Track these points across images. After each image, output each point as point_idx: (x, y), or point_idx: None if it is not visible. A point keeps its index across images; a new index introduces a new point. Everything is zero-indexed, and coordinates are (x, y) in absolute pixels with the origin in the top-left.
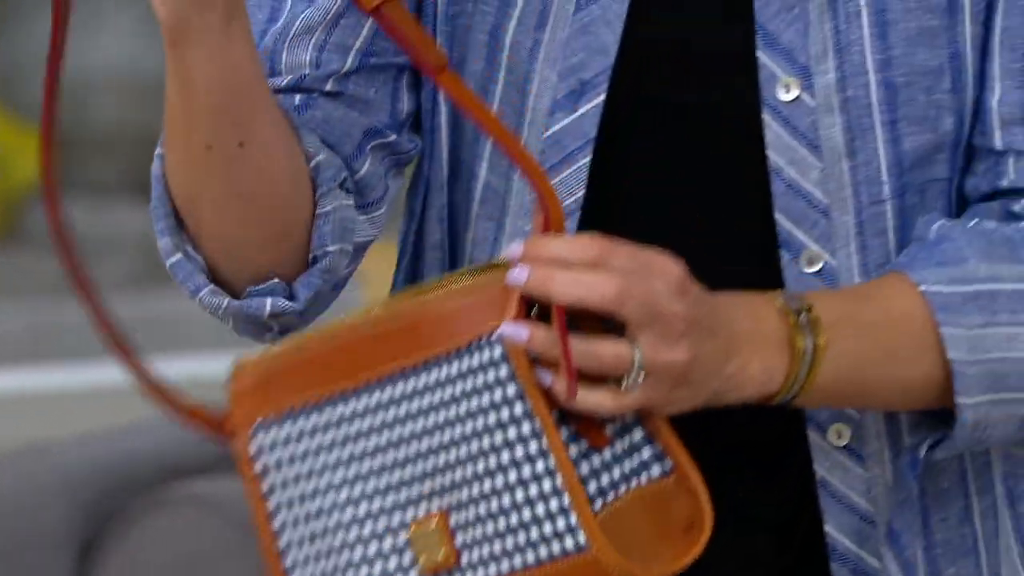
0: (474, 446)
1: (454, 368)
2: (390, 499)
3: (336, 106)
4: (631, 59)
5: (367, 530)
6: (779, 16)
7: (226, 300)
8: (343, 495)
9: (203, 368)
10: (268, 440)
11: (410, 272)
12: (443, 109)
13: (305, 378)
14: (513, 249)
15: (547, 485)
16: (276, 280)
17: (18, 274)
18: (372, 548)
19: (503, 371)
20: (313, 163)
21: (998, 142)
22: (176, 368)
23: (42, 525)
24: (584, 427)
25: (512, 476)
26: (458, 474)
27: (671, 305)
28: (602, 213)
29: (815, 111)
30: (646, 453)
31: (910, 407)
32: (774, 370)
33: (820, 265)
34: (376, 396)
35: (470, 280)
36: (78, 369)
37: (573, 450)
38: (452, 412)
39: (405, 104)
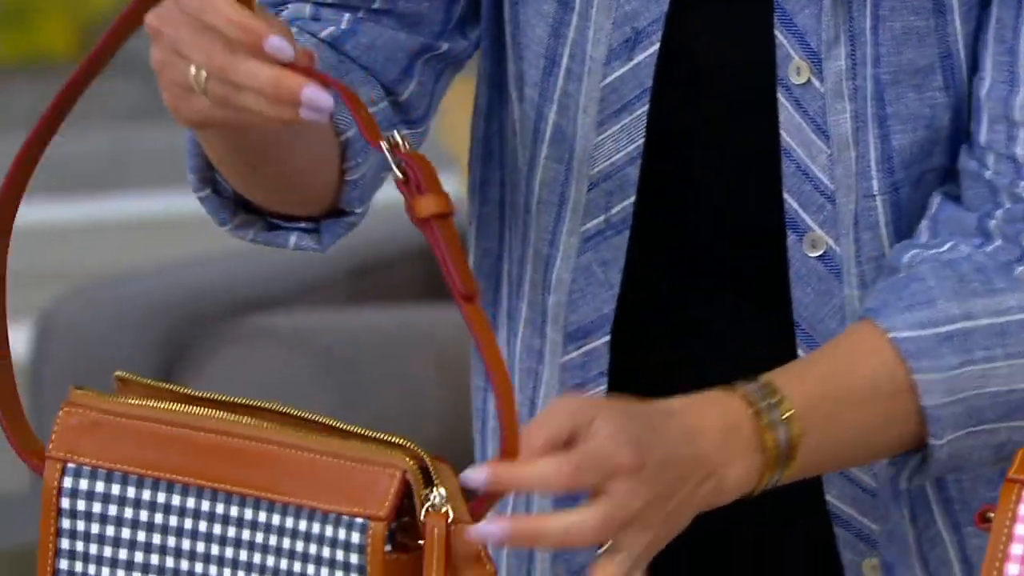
0: None
1: (309, 526)
2: None
3: (383, 29)
4: (678, 8)
5: None
6: None
7: (251, 233)
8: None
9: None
10: (82, 485)
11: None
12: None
13: (149, 448)
14: (475, 476)
15: None
16: (303, 222)
17: (98, 99)
18: None
19: (353, 558)
20: (343, 138)
21: (983, 137)
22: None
23: (117, 355)
24: None
25: None
26: None
27: (634, 504)
28: (662, 161)
29: (824, 96)
30: None
31: (889, 456)
32: (750, 473)
33: (823, 250)
34: (210, 504)
35: (368, 447)
36: (158, 197)
37: None
38: (284, 564)
39: (460, 8)
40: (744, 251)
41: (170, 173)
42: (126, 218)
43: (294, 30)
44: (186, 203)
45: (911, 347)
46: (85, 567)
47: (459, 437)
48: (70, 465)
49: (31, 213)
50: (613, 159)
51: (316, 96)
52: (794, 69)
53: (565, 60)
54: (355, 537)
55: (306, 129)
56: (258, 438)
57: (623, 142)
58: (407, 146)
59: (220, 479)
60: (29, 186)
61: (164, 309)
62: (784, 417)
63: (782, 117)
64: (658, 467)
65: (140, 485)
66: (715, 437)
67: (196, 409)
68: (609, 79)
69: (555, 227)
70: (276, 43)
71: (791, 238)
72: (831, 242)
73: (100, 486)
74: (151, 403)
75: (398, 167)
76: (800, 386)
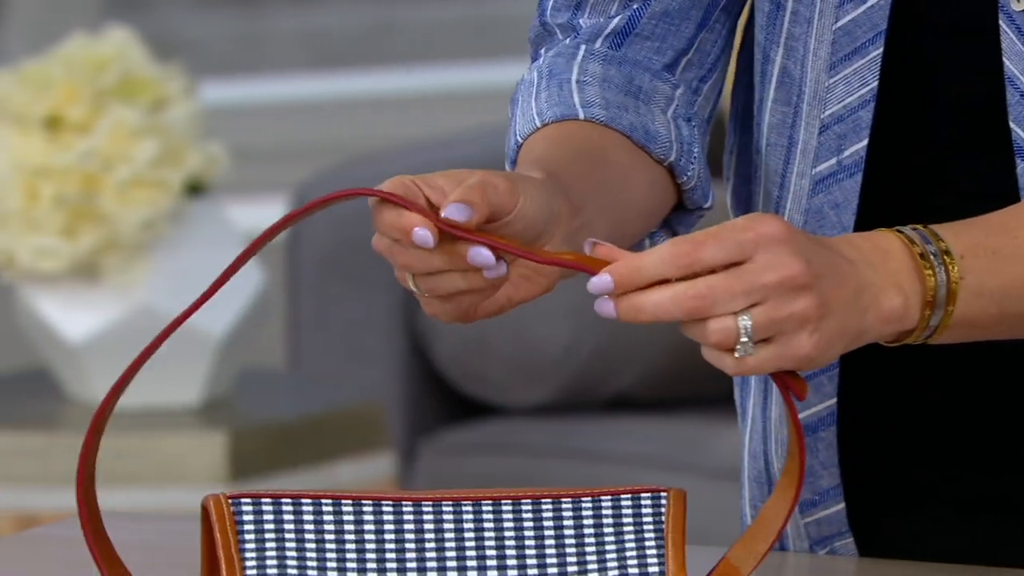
0: None
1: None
2: None
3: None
4: None
5: None
6: None
7: None
8: None
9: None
10: (255, 512)
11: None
12: None
13: (325, 499)
14: (599, 282)
15: None
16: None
17: None
18: None
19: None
20: (667, 164)
21: None
22: (509, 70)
23: (365, 234)
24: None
25: None
26: None
27: (783, 269)
28: (892, 101)
29: None
30: None
31: None
32: (910, 302)
33: None
34: (431, 509)
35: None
36: (419, 72)
37: None
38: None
39: None
40: (974, 187)
41: (433, 47)
42: (386, 93)
43: (580, 52)
44: (447, 78)
45: None
46: None
47: None
48: (244, 502)
49: (289, 86)
50: (845, 101)
51: (479, 256)
52: None
53: (791, 3)
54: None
55: (628, 178)
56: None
57: (856, 84)
58: None
59: (429, 498)
60: (289, 58)
61: None
62: (943, 253)
63: (1004, 44)
64: (810, 249)
65: (338, 506)
66: (870, 256)
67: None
68: (842, 21)
69: (784, 169)
70: (419, 235)
71: (1020, 167)
72: None
73: (275, 510)
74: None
75: None
76: (963, 232)
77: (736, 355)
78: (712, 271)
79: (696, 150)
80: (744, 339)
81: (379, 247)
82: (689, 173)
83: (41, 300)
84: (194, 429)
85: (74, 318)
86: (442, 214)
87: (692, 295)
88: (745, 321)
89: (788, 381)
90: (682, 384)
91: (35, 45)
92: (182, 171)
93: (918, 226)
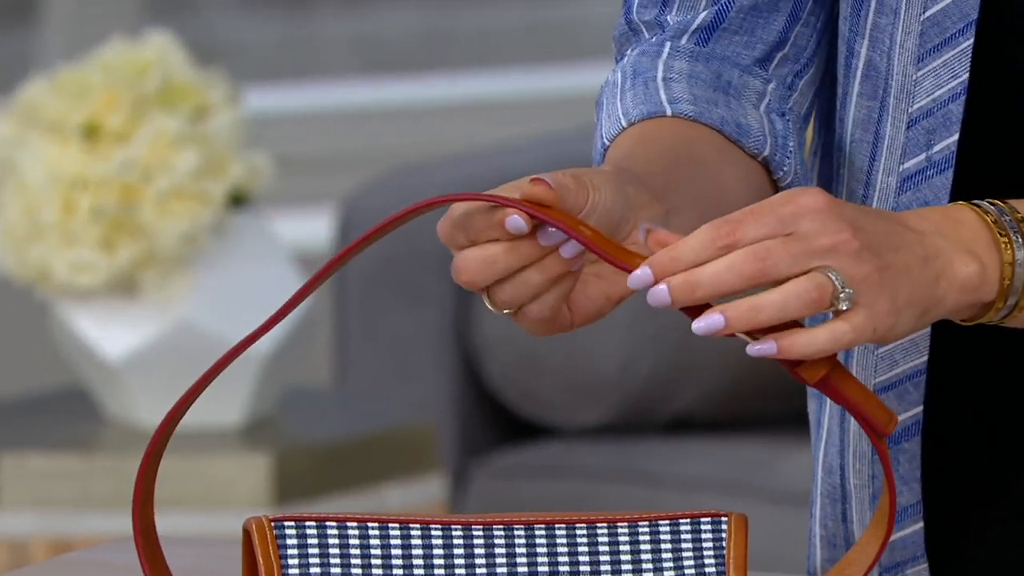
0: None
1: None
2: None
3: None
4: None
5: None
6: None
7: None
8: None
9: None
10: (298, 536)
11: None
12: None
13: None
14: (639, 276)
15: None
16: None
17: None
18: None
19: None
20: (761, 158)
21: None
22: (571, 76)
23: (425, 240)
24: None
25: None
26: None
27: (834, 234)
28: (984, 95)
29: None
30: None
31: None
32: (988, 271)
33: None
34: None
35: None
36: (471, 79)
37: None
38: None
39: None
40: None
41: (488, 52)
42: (439, 100)
43: (665, 49)
44: (502, 84)
45: None
46: None
47: None
48: (287, 525)
49: (338, 93)
50: (934, 95)
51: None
52: None
53: None
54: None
55: (719, 173)
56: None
57: (945, 77)
58: None
59: (480, 522)
60: (341, 66)
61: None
62: (1019, 222)
63: None
64: (863, 217)
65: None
66: (940, 225)
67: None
68: (931, 11)
69: (870, 166)
70: (513, 221)
71: None
72: None
73: (318, 533)
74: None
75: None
76: None
77: (842, 306)
78: None
79: (792, 144)
80: (842, 289)
81: (460, 267)
82: (785, 168)
83: (78, 316)
84: (237, 450)
85: (112, 335)
86: (522, 193)
87: (751, 258)
88: (831, 273)
89: (869, 414)
90: (747, 403)
91: (72, 50)
92: (225, 182)
93: (995, 200)
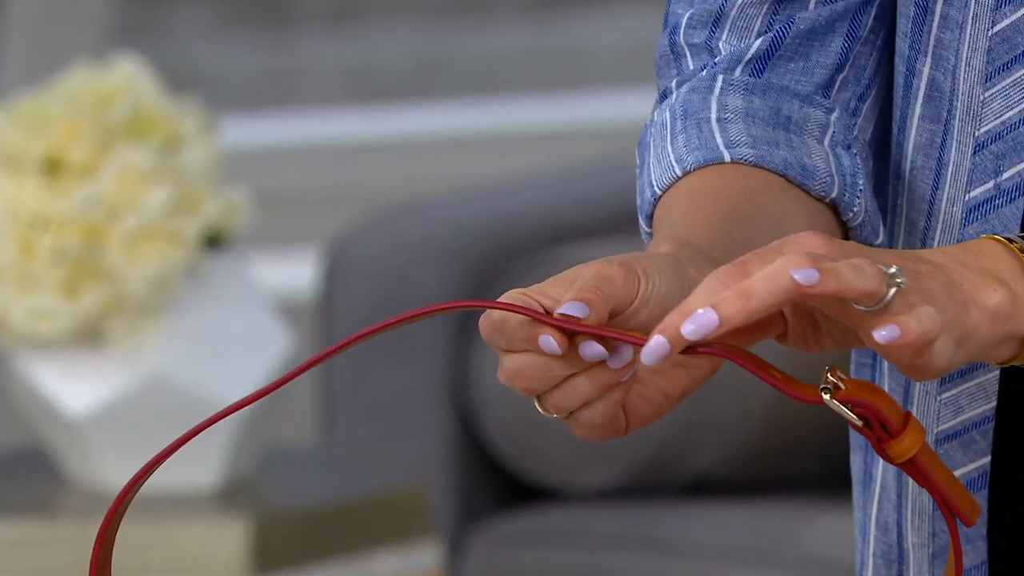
0: None
1: None
2: None
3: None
4: None
5: None
6: None
7: None
8: None
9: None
10: None
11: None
12: None
13: None
14: (653, 347)
15: None
16: None
17: None
18: None
19: None
20: (829, 200)
21: None
22: (576, 107)
23: (418, 286)
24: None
25: None
26: None
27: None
28: None
29: None
30: None
31: None
32: (1016, 297)
33: None
34: None
35: None
36: (469, 109)
37: None
38: None
39: None
40: None
41: (486, 80)
42: (433, 132)
43: (717, 84)
44: (501, 115)
45: None
46: None
47: None
48: None
49: (322, 125)
50: (1003, 117)
51: (589, 350)
52: None
53: (940, 6)
54: None
55: (782, 225)
56: None
57: (1015, 98)
58: (844, 381)
59: None
60: (327, 95)
61: (474, 237)
62: None
63: None
64: (870, 255)
65: None
66: (960, 256)
67: None
68: (1000, 26)
69: (933, 195)
70: (546, 341)
71: None
72: None
73: None
74: None
75: (854, 412)
76: None
77: (898, 288)
78: None
79: (861, 181)
80: (892, 270)
81: (509, 373)
82: (855, 209)
83: (37, 369)
84: (213, 515)
85: (75, 389)
86: (556, 312)
87: (801, 257)
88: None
89: (954, 502)
90: (771, 463)
91: (32, 77)
92: (199, 221)
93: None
